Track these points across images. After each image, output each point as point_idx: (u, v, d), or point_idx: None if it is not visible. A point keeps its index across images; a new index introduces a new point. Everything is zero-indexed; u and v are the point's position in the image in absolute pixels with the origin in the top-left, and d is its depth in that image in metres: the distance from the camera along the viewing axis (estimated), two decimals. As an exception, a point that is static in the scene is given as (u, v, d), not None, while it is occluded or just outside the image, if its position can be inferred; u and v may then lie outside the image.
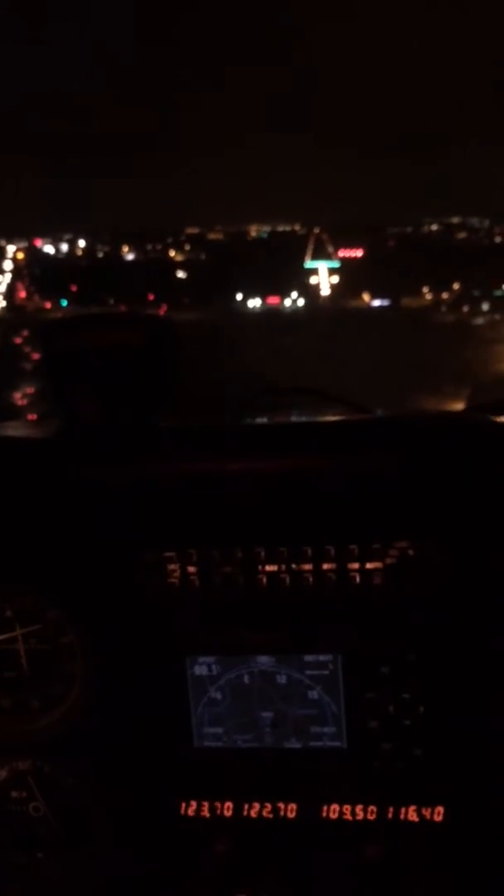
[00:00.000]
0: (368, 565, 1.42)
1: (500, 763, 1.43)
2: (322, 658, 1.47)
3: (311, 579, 1.44)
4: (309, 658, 1.47)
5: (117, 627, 1.50)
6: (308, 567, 1.44)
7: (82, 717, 1.51)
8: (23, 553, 1.50)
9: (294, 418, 1.82)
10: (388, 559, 1.42)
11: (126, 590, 1.49)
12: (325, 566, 1.43)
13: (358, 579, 1.43)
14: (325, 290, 37.85)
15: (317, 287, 37.90)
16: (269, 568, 1.45)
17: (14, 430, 1.67)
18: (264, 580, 1.45)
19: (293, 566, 1.45)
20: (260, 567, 1.45)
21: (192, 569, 1.47)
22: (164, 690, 1.52)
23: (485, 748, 1.44)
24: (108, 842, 1.55)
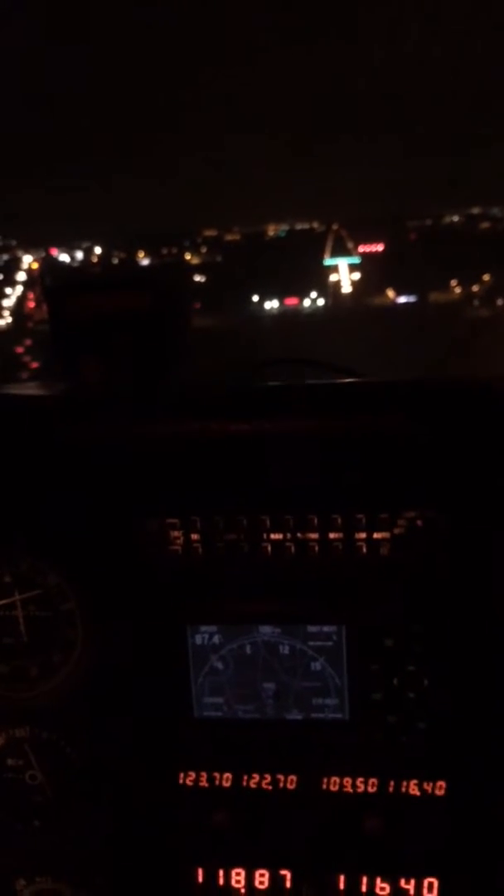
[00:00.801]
0: (376, 535, 1.39)
1: (502, 738, 1.40)
2: (326, 629, 1.44)
3: (316, 549, 1.41)
4: (313, 629, 1.45)
5: (118, 595, 1.47)
6: (314, 536, 1.41)
7: (81, 684, 1.49)
8: (22, 516, 1.48)
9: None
10: (396, 529, 1.39)
11: (128, 556, 1.47)
12: (332, 535, 1.40)
13: (364, 549, 1.40)
14: (347, 288, 36.98)
15: (337, 285, 37.25)
16: (274, 536, 1.43)
17: (19, 389, 1.64)
18: (269, 549, 1.43)
19: (299, 535, 1.42)
20: (265, 535, 1.43)
21: (195, 536, 1.44)
22: (165, 659, 1.49)
23: (488, 723, 1.41)
24: (104, 811, 1.53)
